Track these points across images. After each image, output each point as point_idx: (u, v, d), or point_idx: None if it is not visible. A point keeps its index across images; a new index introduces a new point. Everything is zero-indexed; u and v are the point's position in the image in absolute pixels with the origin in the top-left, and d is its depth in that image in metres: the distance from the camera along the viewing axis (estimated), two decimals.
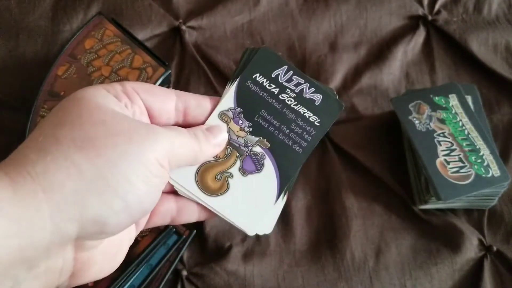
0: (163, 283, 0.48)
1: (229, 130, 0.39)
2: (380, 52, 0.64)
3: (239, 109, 0.40)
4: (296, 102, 0.41)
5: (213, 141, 0.37)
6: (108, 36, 0.55)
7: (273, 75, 0.41)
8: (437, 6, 0.67)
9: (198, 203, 0.38)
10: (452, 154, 0.51)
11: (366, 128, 0.58)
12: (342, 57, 0.63)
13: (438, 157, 0.51)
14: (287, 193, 0.39)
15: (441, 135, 0.52)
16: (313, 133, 0.40)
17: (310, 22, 0.65)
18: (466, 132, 0.52)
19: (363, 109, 0.60)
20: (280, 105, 0.41)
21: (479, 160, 0.50)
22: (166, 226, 0.46)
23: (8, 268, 0.25)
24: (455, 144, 0.52)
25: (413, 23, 0.66)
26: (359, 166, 0.56)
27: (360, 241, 0.51)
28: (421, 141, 0.52)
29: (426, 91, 0.56)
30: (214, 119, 0.39)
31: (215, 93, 0.59)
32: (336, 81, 0.61)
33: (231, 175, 0.38)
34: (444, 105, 0.54)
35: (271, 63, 0.41)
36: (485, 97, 0.61)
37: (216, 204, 0.38)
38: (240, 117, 0.40)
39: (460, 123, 0.53)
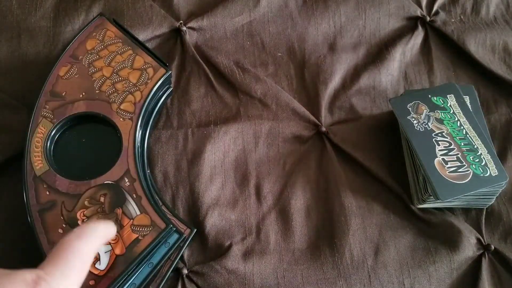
0: (164, 281, 0.48)
1: None
2: (379, 53, 0.64)
3: None
4: None
5: None
6: (109, 37, 0.55)
7: None
8: (435, 7, 0.67)
9: None
10: (450, 153, 0.51)
11: (365, 128, 0.58)
12: (341, 57, 0.63)
13: (436, 156, 0.51)
14: None
15: (439, 135, 0.53)
16: None
17: (310, 23, 0.65)
18: (464, 132, 0.53)
19: (362, 109, 0.60)
20: None
21: (477, 160, 0.51)
22: (167, 225, 0.46)
23: None
24: (453, 144, 0.52)
25: (411, 24, 0.66)
26: (358, 166, 0.56)
27: (359, 239, 0.52)
28: (420, 141, 0.52)
29: (425, 91, 0.56)
30: None
31: (216, 93, 0.60)
32: (335, 82, 0.61)
33: None
34: (442, 105, 0.55)
35: None
36: (483, 97, 0.61)
37: None
38: None
39: (458, 123, 0.53)
